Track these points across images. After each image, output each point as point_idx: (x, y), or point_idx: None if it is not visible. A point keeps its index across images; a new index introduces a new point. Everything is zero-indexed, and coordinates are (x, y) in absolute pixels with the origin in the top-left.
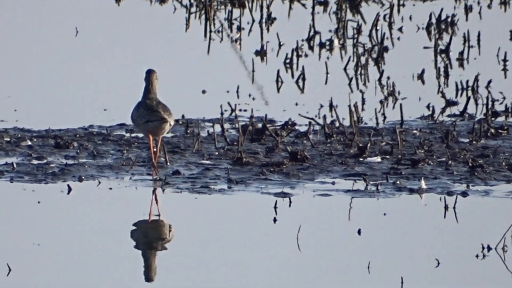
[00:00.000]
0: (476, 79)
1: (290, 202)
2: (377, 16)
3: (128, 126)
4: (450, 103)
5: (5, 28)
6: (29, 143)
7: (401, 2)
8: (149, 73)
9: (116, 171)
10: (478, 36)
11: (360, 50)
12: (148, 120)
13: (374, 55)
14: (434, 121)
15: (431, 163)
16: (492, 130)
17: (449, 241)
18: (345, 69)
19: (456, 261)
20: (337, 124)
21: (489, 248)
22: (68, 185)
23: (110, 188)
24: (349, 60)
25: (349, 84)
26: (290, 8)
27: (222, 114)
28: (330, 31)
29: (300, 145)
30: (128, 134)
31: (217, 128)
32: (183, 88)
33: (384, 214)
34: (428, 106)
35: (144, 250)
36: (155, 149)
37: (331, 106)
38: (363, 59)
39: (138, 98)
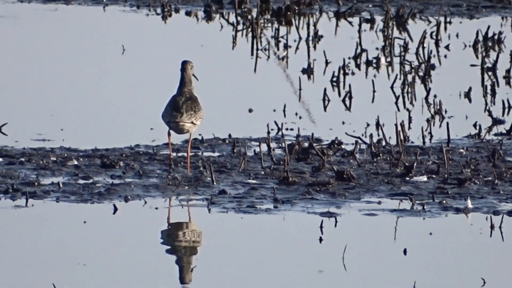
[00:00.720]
0: None
1: (336, 221)
2: (424, 34)
3: (175, 145)
4: (497, 122)
5: (53, 46)
6: (75, 162)
7: (448, 20)
8: (184, 64)
9: (162, 190)
10: None
11: (407, 68)
12: (169, 120)
13: (421, 73)
14: (481, 140)
15: (478, 182)
16: None
17: (495, 261)
18: (391, 87)
19: (502, 281)
20: (383, 143)
21: None
22: (114, 205)
23: (156, 208)
24: (396, 78)
25: (396, 103)
26: (337, 25)
27: (268, 133)
28: (377, 48)
29: (347, 164)
30: (174, 154)
31: (264, 147)
32: (230, 106)
33: (430, 233)
34: (474, 125)
35: (185, 269)
36: (186, 148)
37: (377, 124)
38: (409, 77)
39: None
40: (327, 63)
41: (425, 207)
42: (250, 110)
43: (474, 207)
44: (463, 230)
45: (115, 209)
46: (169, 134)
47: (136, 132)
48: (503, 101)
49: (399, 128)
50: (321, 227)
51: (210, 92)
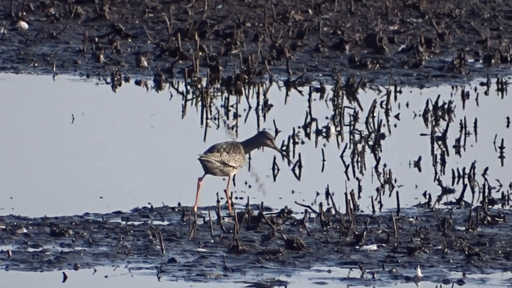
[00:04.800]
0: (473, 167)
1: None
2: (374, 103)
3: (124, 214)
4: (446, 191)
5: (1, 115)
6: (25, 230)
7: (398, 89)
8: (265, 135)
9: (111, 259)
10: (475, 123)
11: (357, 137)
12: (199, 157)
13: (371, 142)
14: (431, 209)
15: (427, 251)
16: (489, 218)
17: None
18: (341, 156)
19: None
20: (333, 212)
21: None
22: (63, 273)
23: (106, 276)
24: (345, 147)
25: (346, 172)
26: (287, 94)
27: (218, 201)
28: (326, 118)
29: (296, 233)
30: (124, 222)
31: (213, 216)
32: (180, 175)
33: None
34: (424, 194)
35: None
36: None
37: (327, 193)
38: (359, 147)
39: (134, 186)
40: (277, 132)
41: (375, 276)
42: (200, 179)
43: (424, 275)
44: None
45: (65, 277)
46: (199, 179)
47: (86, 201)
48: (452, 170)
49: (349, 197)
50: None
51: (160, 160)
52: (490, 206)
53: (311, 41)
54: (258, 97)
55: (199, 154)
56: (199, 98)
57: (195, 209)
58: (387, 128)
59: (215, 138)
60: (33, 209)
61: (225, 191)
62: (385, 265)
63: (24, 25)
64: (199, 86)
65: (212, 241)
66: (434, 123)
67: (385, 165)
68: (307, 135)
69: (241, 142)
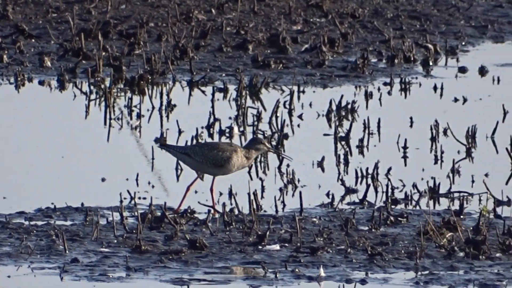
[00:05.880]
0: (376, 167)
1: None
2: (277, 103)
3: (27, 214)
4: (349, 191)
5: None
6: None
7: (301, 89)
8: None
9: (14, 259)
10: (378, 123)
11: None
12: None
13: (274, 142)
14: (334, 209)
15: (330, 251)
16: (392, 218)
17: None
18: None
19: None
20: (236, 212)
21: None
22: None
23: (9, 276)
24: None
25: (249, 172)
26: (190, 95)
27: (121, 202)
28: (230, 118)
29: (199, 233)
30: (27, 222)
31: (116, 216)
32: (83, 175)
33: None
34: (327, 194)
35: None
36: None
37: (230, 194)
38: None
39: (38, 186)
40: (180, 132)
41: (277, 276)
42: (103, 179)
43: (326, 275)
44: None
45: None
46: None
47: None
48: (356, 170)
49: (252, 197)
50: None
51: (63, 161)
52: (393, 206)
53: (214, 41)
54: (161, 97)
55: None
56: (103, 98)
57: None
58: (291, 128)
59: (119, 138)
60: None
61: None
62: (288, 265)
63: None
64: (102, 86)
65: (115, 241)
66: (337, 123)
67: (288, 165)
68: (211, 135)
69: (243, 147)
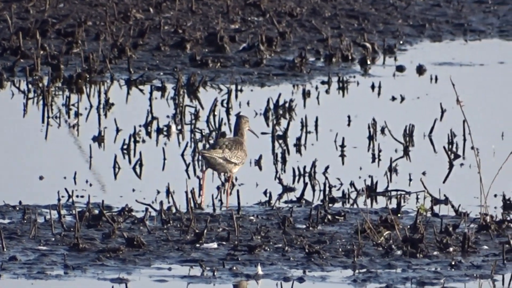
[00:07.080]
0: (314, 165)
1: None
2: (215, 102)
3: None
4: (287, 189)
5: None
6: None
7: (239, 88)
8: (238, 119)
9: None
10: (316, 121)
11: (198, 135)
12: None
13: (212, 141)
14: (271, 207)
15: (268, 249)
16: (329, 217)
17: None
18: (182, 155)
19: None
20: (174, 210)
21: None
22: None
23: None
24: (186, 145)
25: (187, 170)
26: (128, 93)
27: (59, 200)
28: (168, 116)
29: (137, 231)
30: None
31: (54, 214)
32: (20, 174)
33: None
34: (265, 192)
35: None
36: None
37: (168, 192)
38: (200, 145)
39: None
40: (118, 131)
41: (215, 274)
42: (41, 178)
43: (264, 273)
44: None
45: None
46: (203, 171)
47: None
48: (293, 169)
49: (190, 195)
50: None
51: (0, 159)
52: (330, 205)
53: (152, 40)
54: (99, 96)
55: (201, 150)
56: (41, 97)
57: (201, 199)
58: (228, 127)
59: (57, 136)
60: None
61: (226, 183)
62: (226, 263)
63: None
64: (40, 84)
65: (53, 239)
66: (275, 122)
67: None
68: (148, 133)
69: (237, 136)
